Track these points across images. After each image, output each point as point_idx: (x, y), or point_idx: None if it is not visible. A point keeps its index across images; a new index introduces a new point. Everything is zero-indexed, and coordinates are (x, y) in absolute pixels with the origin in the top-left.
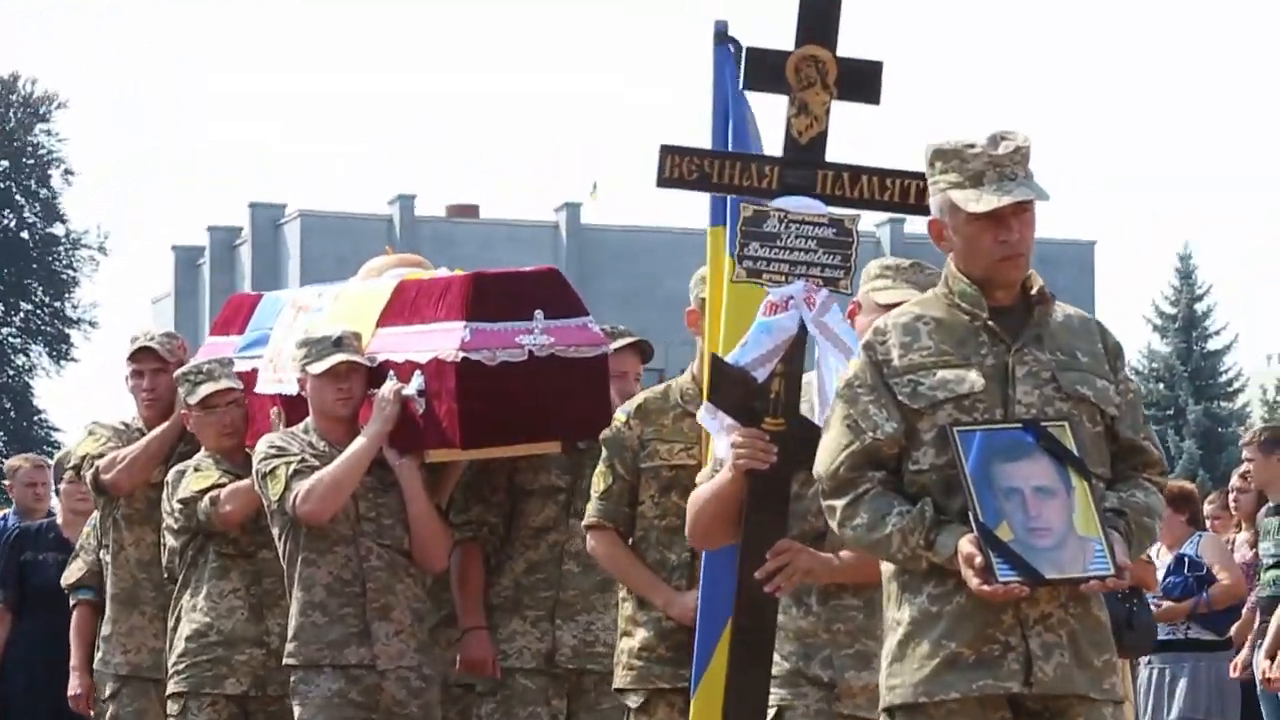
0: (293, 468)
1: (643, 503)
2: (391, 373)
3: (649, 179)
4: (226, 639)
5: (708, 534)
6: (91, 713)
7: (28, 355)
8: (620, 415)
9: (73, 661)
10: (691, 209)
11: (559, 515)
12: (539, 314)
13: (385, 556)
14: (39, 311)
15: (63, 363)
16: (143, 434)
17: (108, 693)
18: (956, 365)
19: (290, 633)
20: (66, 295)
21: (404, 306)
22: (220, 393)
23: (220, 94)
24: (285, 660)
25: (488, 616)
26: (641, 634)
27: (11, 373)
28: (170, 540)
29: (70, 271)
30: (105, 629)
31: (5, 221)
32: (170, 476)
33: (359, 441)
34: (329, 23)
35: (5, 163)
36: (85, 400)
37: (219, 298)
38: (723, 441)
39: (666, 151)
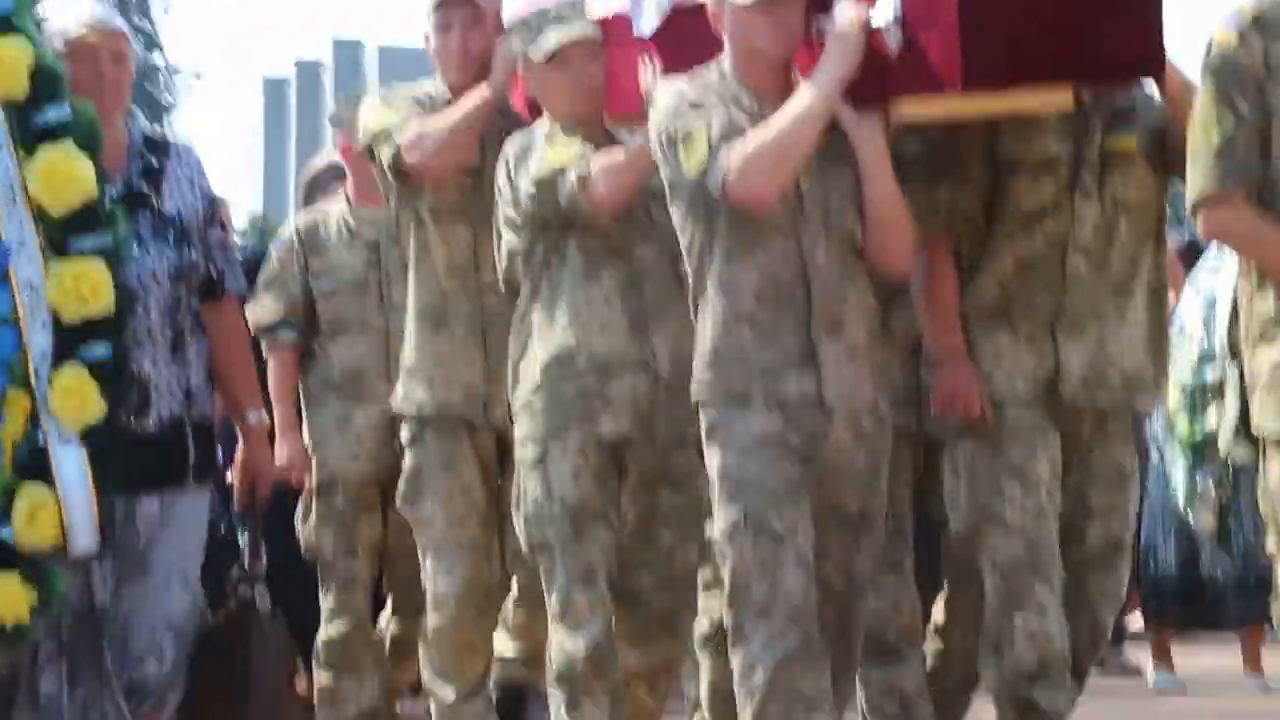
0: (717, 130)
1: (1278, 157)
2: None
3: None
4: (600, 363)
5: None
6: (297, 480)
7: None
8: (1228, 33)
9: (278, 420)
10: None
11: (1059, 195)
12: None
13: (836, 252)
14: None
15: None
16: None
17: (407, 438)
18: None
19: (704, 356)
20: (166, 119)
21: None
22: (576, 44)
23: None
24: (698, 394)
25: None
26: None
27: None
28: (510, 238)
29: (169, 96)
30: (407, 358)
31: None
32: (510, 150)
33: (808, 92)
34: None
35: None
36: None
37: (304, 124)
38: None
39: None
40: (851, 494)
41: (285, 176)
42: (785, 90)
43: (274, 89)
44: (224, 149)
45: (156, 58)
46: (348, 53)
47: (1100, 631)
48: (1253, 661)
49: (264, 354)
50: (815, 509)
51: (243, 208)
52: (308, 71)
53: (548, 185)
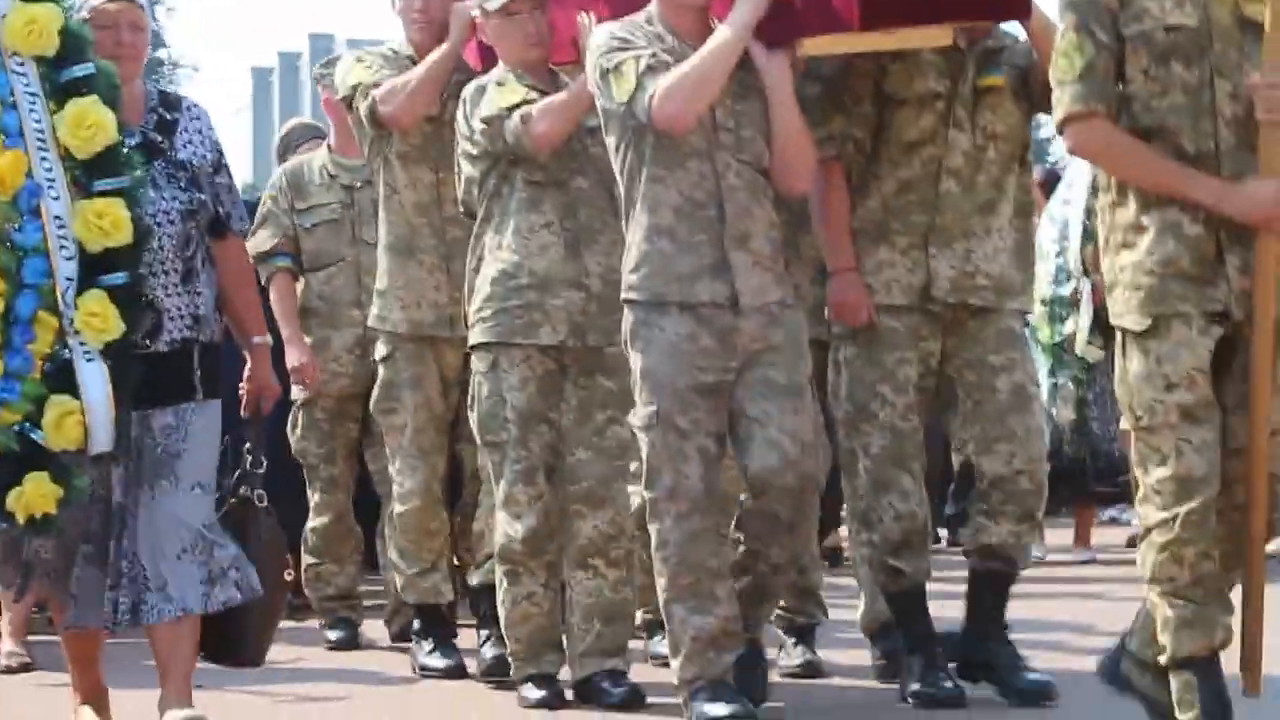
0: (644, 63)
1: (1130, 80)
2: None
3: None
4: (540, 280)
5: None
6: (309, 380)
7: None
8: None
9: (285, 334)
10: None
11: (936, 126)
12: None
13: (745, 175)
14: None
15: None
16: (414, 62)
17: (382, 354)
18: None
19: (630, 263)
20: None
21: None
22: None
23: None
24: (625, 295)
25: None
26: (1149, 242)
27: None
28: (468, 168)
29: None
30: (380, 283)
31: None
32: (467, 93)
33: (723, 32)
34: None
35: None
36: None
37: (285, 105)
38: None
39: None
40: (778, 367)
41: (270, 150)
42: (704, 33)
43: (260, 76)
44: (218, 128)
45: (161, 54)
46: (322, 44)
47: (1037, 473)
48: (1083, 539)
49: (263, 283)
50: (750, 387)
51: (236, 177)
52: (288, 61)
53: (496, 122)
